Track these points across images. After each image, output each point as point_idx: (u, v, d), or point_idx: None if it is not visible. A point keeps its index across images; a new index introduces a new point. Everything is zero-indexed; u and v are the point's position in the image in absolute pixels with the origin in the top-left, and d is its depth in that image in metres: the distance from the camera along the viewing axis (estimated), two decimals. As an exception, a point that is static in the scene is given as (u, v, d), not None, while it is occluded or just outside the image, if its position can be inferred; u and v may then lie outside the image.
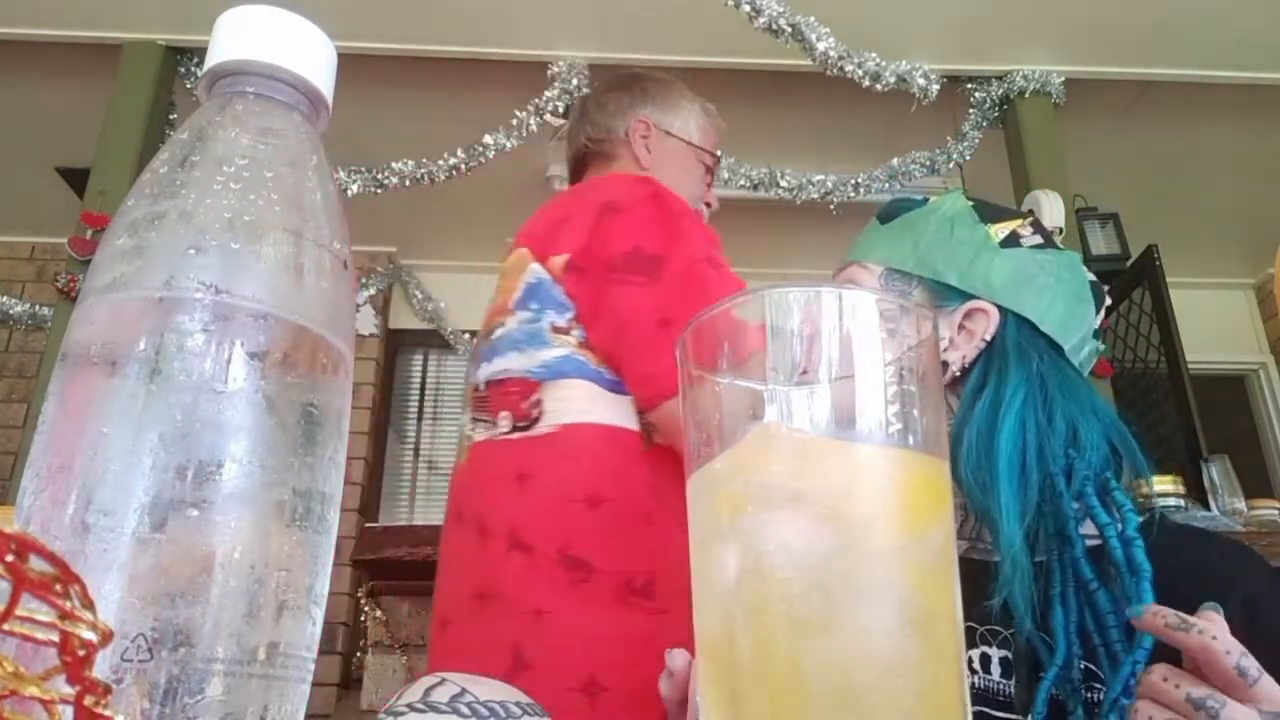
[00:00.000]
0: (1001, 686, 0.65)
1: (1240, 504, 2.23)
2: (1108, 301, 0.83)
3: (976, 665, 0.67)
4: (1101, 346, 0.81)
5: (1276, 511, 2.12)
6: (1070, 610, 0.62)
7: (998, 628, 0.66)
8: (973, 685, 0.64)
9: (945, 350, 0.75)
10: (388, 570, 1.73)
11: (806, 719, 0.27)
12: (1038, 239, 0.80)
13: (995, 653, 0.66)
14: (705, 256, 1.07)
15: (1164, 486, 1.89)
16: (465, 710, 0.63)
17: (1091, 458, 0.67)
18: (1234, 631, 0.58)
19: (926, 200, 0.85)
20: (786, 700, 0.27)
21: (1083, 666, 0.61)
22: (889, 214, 0.84)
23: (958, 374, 0.75)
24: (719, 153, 1.37)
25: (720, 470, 0.31)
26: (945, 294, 0.78)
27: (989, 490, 0.67)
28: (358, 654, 2.89)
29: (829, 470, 0.29)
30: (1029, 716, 0.61)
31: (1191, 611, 0.52)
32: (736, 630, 0.29)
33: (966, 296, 0.77)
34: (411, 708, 0.63)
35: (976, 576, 0.66)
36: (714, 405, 0.32)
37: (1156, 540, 0.63)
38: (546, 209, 1.22)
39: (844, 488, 0.29)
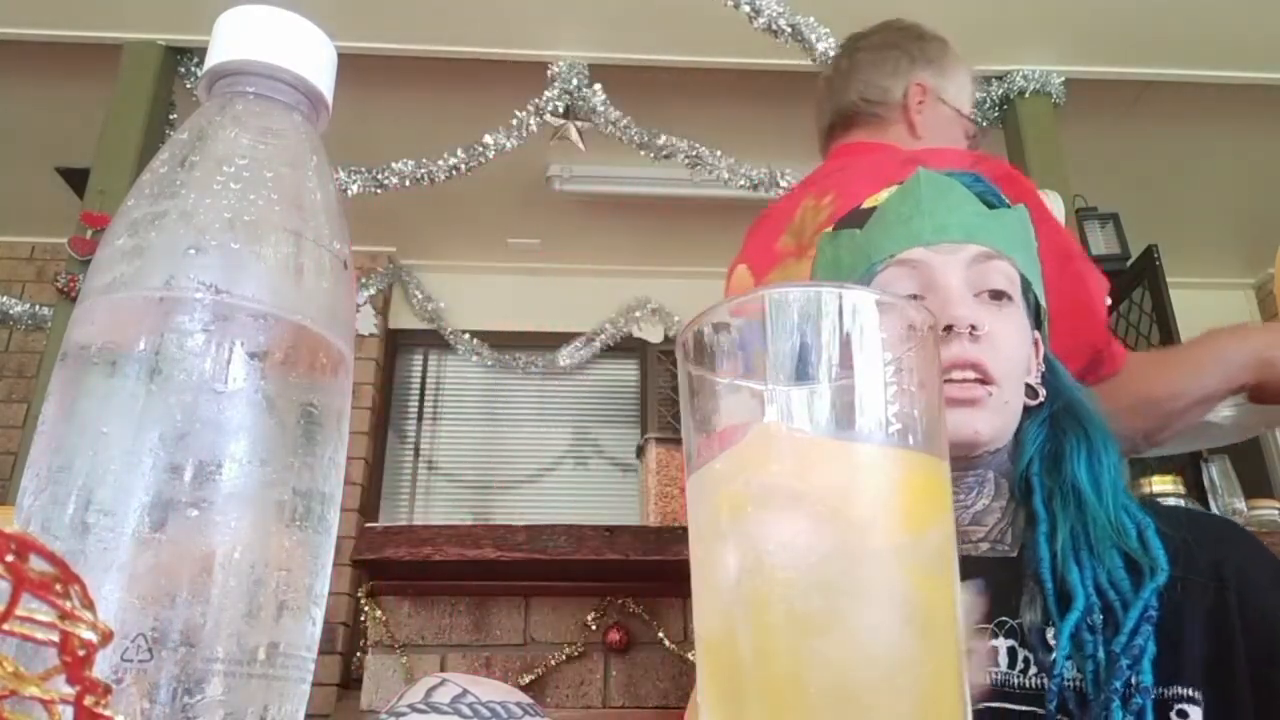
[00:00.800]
0: (1014, 679, 0.66)
1: (1240, 504, 2.23)
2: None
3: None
4: None
5: (1276, 511, 2.12)
6: (1085, 567, 0.65)
7: (1003, 618, 0.67)
8: (992, 681, 0.65)
9: (1029, 374, 0.75)
10: (388, 570, 1.73)
11: (806, 719, 0.27)
12: None
13: (1002, 643, 0.66)
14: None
15: (1164, 486, 1.89)
16: (467, 711, 0.63)
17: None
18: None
19: (1007, 200, 0.79)
20: (786, 700, 0.27)
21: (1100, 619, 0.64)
22: (986, 200, 0.77)
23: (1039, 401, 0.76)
24: (983, 123, 1.26)
25: (720, 470, 0.31)
26: (1033, 315, 0.77)
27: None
28: (358, 654, 2.90)
29: (829, 470, 0.29)
30: (1052, 673, 0.63)
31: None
32: (736, 630, 0.29)
33: (1038, 320, 0.78)
34: (413, 708, 0.63)
35: (998, 573, 0.67)
36: (714, 405, 0.32)
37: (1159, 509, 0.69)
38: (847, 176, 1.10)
39: (844, 488, 0.29)
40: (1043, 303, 0.78)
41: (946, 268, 0.72)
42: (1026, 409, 0.75)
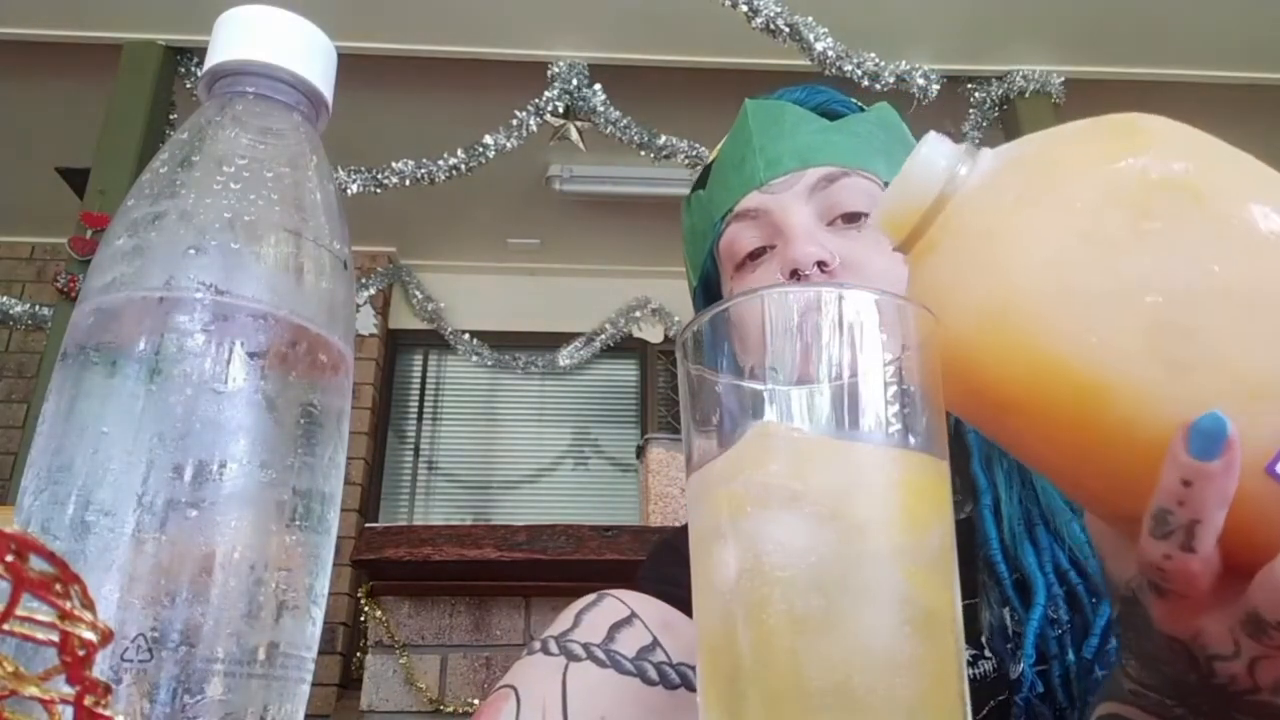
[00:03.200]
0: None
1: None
2: None
3: None
4: None
5: (1276, 511, 2.11)
6: (1043, 548, 0.57)
7: None
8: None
9: None
10: (388, 570, 1.73)
11: (806, 719, 0.27)
12: None
13: None
14: None
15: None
16: (652, 675, 0.52)
17: None
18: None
19: (859, 104, 0.71)
20: (786, 700, 0.27)
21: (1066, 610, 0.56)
22: (828, 111, 0.68)
23: None
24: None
25: (720, 470, 0.31)
26: None
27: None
28: (358, 654, 2.90)
29: (828, 470, 0.29)
30: (1016, 661, 0.55)
31: None
32: (736, 630, 0.29)
33: None
34: (589, 651, 0.53)
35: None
36: (714, 405, 0.32)
37: None
38: None
39: (843, 488, 0.29)
40: None
41: (785, 207, 0.63)
42: None
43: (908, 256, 0.34)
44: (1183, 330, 0.27)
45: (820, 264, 0.59)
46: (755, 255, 0.65)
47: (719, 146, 0.72)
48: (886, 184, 0.64)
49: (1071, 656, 0.54)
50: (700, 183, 0.72)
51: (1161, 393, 0.27)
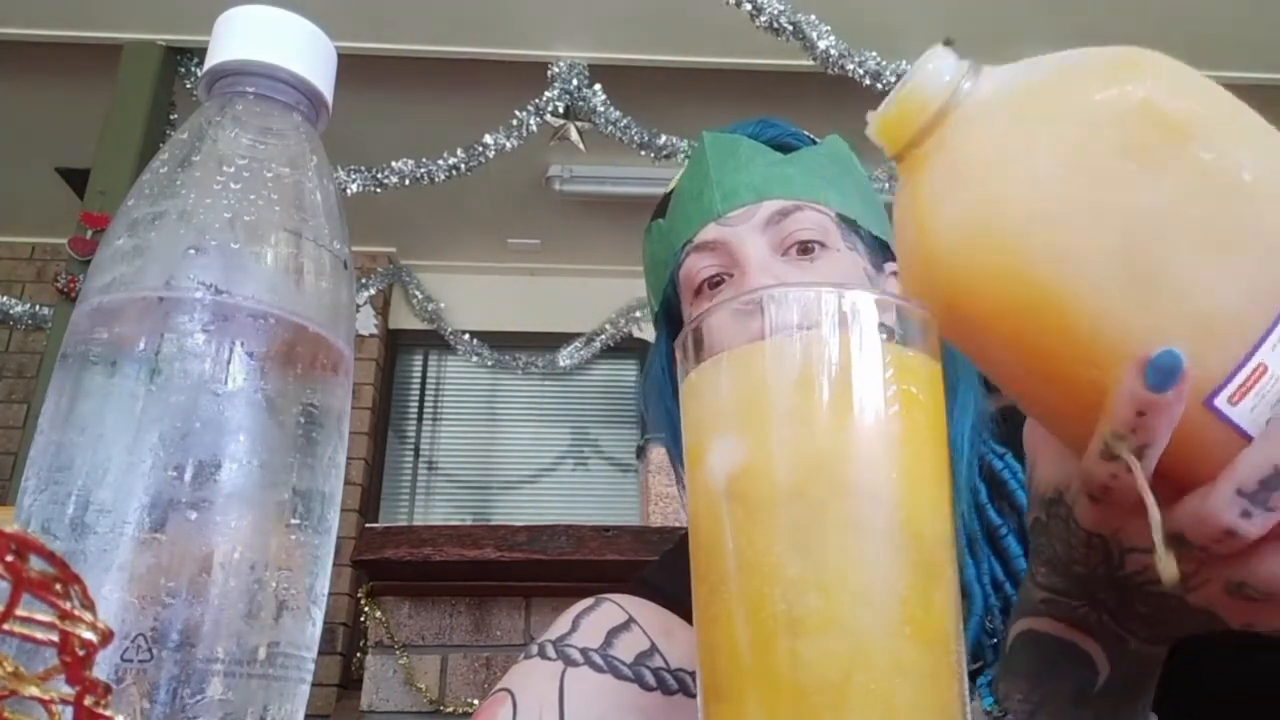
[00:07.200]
0: None
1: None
2: None
3: None
4: None
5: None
6: (981, 560, 0.59)
7: None
8: None
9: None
10: (388, 570, 1.73)
11: (804, 719, 0.27)
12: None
13: None
14: None
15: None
16: (650, 680, 0.52)
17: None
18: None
19: (811, 137, 0.73)
20: (784, 700, 0.27)
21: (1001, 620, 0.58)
22: (781, 144, 0.70)
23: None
24: None
25: (718, 469, 0.31)
26: (881, 251, 0.70)
27: None
28: (358, 654, 2.90)
29: (829, 470, 0.29)
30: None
31: None
32: (736, 629, 0.29)
33: (889, 255, 0.70)
34: (588, 658, 0.53)
35: None
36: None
37: (1011, 425, 0.63)
38: None
39: (844, 487, 0.29)
40: (885, 234, 0.70)
41: (742, 239, 0.65)
42: None
43: (900, 164, 0.34)
44: (1153, 260, 0.29)
45: None
46: (714, 283, 0.67)
47: (677, 177, 0.74)
48: (838, 214, 0.66)
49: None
50: (660, 212, 0.74)
51: (1125, 316, 0.29)
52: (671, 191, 0.73)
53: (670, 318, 0.73)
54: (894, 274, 0.70)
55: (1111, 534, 0.33)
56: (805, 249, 0.65)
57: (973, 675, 0.56)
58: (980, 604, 0.58)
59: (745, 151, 0.69)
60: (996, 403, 0.66)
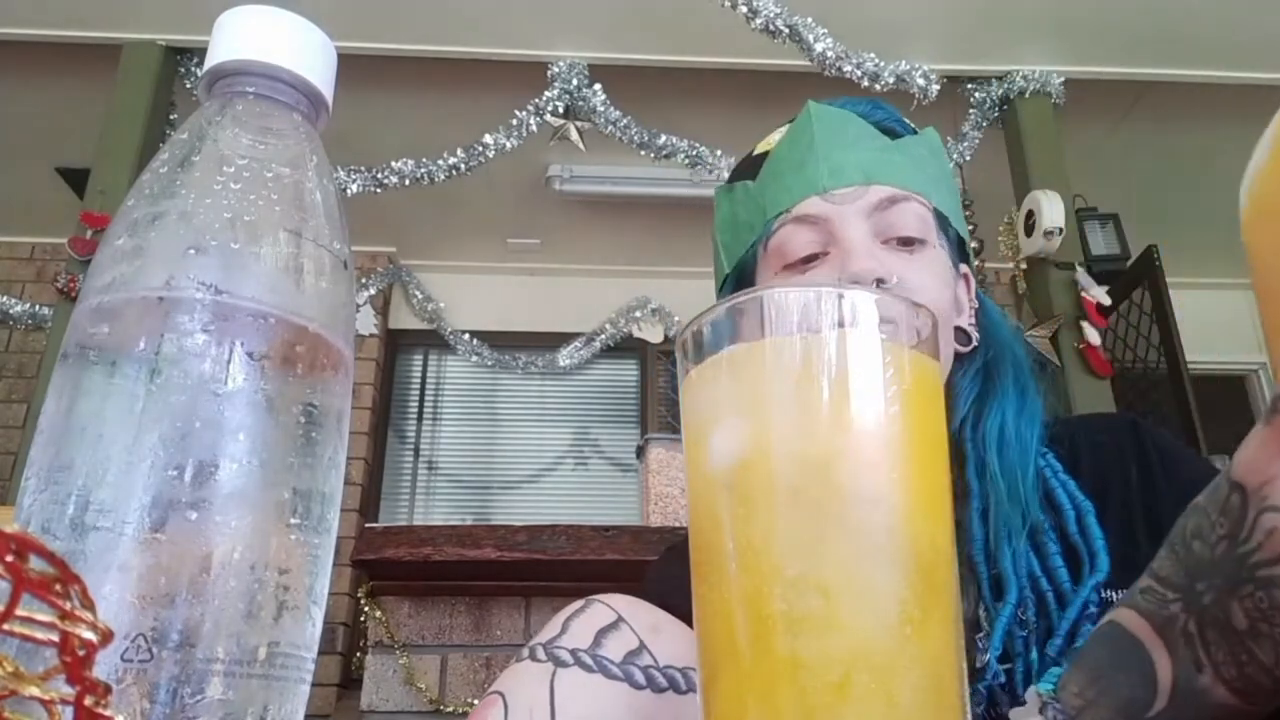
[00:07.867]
0: None
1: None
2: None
3: None
4: None
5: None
6: (1020, 554, 0.60)
7: None
8: None
9: (960, 317, 0.69)
10: (388, 570, 1.73)
11: (804, 718, 0.27)
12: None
13: None
14: None
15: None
16: (640, 678, 0.53)
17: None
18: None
19: (913, 126, 0.73)
20: (785, 699, 0.27)
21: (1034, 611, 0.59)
22: (888, 129, 0.70)
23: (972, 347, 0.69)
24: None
25: (718, 469, 0.31)
26: (959, 251, 0.70)
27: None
28: (358, 654, 2.90)
29: (828, 471, 0.29)
30: (983, 652, 0.58)
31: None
32: (736, 629, 0.29)
33: (964, 255, 0.71)
34: (577, 657, 0.53)
35: None
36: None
37: (1053, 432, 0.65)
38: None
39: (844, 487, 0.29)
40: (965, 234, 0.71)
41: (846, 219, 0.64)
42: (959, 356, 0.68)
43: None
44: None
45: (879, 281, 0.62)
46: (809, 259, 0.66)
47: (771, 140, 0.72)
48: (936, 210, 0.67)
49: (1035, 656, 0.57)
50: (747, 174, 0.72)
51: None
52: (763, 155, 0.71)
53: (742, 284, 0.72)
54: (965, 276, 0.71)
55: (1256, 486, 0.33)
56: (905, 242, 0.65)
57: (1005, 670, 0.57)
58: (1015, 593, 0.58)
59: (854, 130, 0.68)
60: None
